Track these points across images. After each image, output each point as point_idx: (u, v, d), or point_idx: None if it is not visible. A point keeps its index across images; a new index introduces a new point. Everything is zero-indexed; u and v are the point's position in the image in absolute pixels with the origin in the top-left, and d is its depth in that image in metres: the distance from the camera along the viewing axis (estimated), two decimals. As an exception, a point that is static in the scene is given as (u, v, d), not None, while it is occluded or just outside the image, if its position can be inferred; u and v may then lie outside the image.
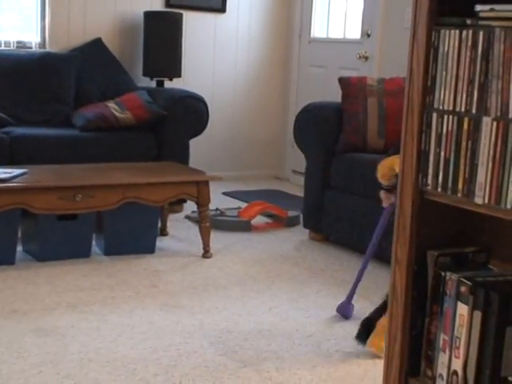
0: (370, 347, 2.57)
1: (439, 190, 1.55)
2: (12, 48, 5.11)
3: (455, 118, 1.52)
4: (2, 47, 5.08)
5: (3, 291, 3.11)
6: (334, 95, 4.47)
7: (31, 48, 5.22)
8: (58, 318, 2.83)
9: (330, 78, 5.38)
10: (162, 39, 5.29)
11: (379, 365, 2.44)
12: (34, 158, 4.13)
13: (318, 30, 6.03)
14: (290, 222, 4.54)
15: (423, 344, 1.66)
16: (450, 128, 1.53)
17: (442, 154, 1.55)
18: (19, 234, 3.59)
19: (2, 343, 2.55)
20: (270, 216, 4.65)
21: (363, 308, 3.08)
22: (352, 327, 2.85)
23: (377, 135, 3.98)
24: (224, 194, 5.36)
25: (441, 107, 1.55)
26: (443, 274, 1.61)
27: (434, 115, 1.57)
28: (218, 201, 4.88)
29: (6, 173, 3.44)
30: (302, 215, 4.36)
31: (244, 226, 4.39)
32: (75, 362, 2.43)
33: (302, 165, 4.83)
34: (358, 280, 2.99)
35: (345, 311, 3.00)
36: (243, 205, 4.81)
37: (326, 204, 4.06)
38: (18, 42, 5.18)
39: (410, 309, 1.62)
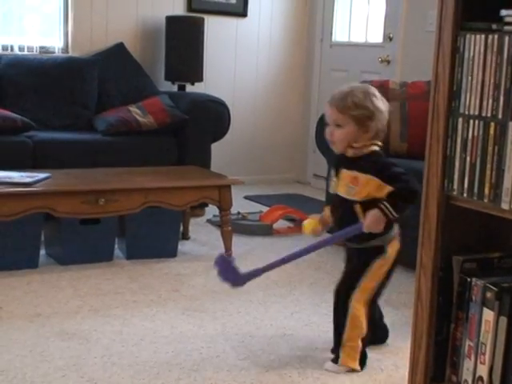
0: (343, 365, 2.48)
1: (465, 195, 1.54)
2: (35, 53, 5.15)
3: (481, 122, 1.51)
4: (26, 52, 5.12)
5: (27, 294, 3.13)
6: (356, 99, 4.44)
7: (54, 53, 5.25)
8: (81, 321, 2.84)
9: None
10: (183, 43, 5.30)
11: (402, 370, 2.43)
12: (56, 162, 4.16)
13: (339, 34, 6.02)
14: (312, 227, 4.52)
15: (448, 350, 1.65)
16: (475, 133, 1.52)
17: (468, 159, 1.54)
18: (42, 238, 3.61)
19: (25, 346, 2.57)
20: (291, 220, 4.64)
21: (384, 313, 3.06)
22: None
23: (399, 139, 3.96)
24: (245, 198, 5.36)
25: (466, 112, 1.55)
26: (469, 279, 1.60)
27: (460, 120, 1.56)
28: (240, 205, 4.88)
29: (29, 177, 3.46)
30: (323, 219, 4.34)
31: (265, 230, 4.38)
32: (98, 365, 2.44)
33: (323, 169, 4.82)
34: (281, 262, 2.68)
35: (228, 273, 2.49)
36: (265, 209, 4.80)
37: (347, 208, 4.04)
38: (41, 47, 5.22)
39: (434, 314, 1.61)
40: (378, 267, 2.46)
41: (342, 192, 2.45)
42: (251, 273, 2.48)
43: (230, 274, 2.45)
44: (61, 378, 2.33)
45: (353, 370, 2.45)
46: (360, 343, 2.45)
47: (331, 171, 2.62)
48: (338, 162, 2.50)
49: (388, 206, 2.32)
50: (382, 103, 2.42)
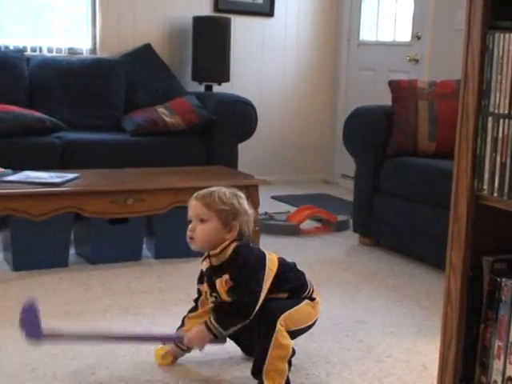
0: None
1: (495, 194, 1.53)
2: (63, 54, 5.20)
3: (511, 121, 1.50)
4: (54, 53, 5.18)
5: (57, 293, 3.16)
6: (384, 99, 4.44)
7: (82, 54, 5.30)
8: (110, 320, 2.87)
9: (380, 82, 5.35)
10: (210, 44, 5.32)
11: (431, 371, 2.42)
12: (85, 162, 4.20)
13: (367, 33, 6.00)
14: (340, 227, 4.53)
15: (478, 350, 1.64)
16: (505, 132, 1.52)
17: (498, 158, 1.53)
18: (72, 238, 3.65)
19: (57, 345, 2.59)
20: (319, 220, 4.64)
21: (413, 313, 3.06)
22: (406, 333, 2.83)
23: (427, 139, 3.94)
24: (273, 198, 5.37)
25: (496, 111, 1.54)
26: (499, 279, 1.59)
27: (490, 119, 1.56)
28: (267, 205, 4.89)
29: (58, 177, 3.49)
30: (351, 220, 4.34)
31: (293, 230, 4.39)
32: (128, 363, 2.46)
33: (350, 169, 4.82)
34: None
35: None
36: (292, 209, 4.81)
37: (375, 208, 4.04)
38: (70, 49, 5.27)
39: (464, 315, 1.60)
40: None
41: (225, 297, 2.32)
42: (55, 333, 2.31)
43: (33, 325, 2.27)
44: (91, 376, 2.36)
45: None
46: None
47: (201, 287, 2.44)
48: (210, 275, 2.36)
49: (214, 323, 2.24)
50: (247, 206, 2.36)
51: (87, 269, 3.53)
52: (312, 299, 2.39)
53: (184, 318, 2.49)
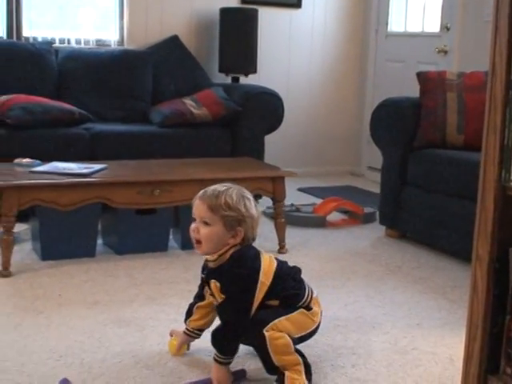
0: None
1: (522, 186, 1.52)
2: (91, 46, 5.23)
3: (539, 112, 1.49)
4: (82, 45, 5.21)
5: (85, 283, 3.19)
6: (412, 90, 4.41)
7: (110, 46, 5.33)
8: (137, 309, 2.89)
9: (408, 73, 5.32)
10: (237, 35, 5.33)
11: (458, 364, 2.41)
12: (112, 153, 4.23)
13: (395, 24, 5.97)
14: (366, 219, 4.52)
15: (503, 342, 1.63)
16: (533, 123, 1.50)
17: (526, 149, 1.52)
18: (99, 228, 3.68)
19: (84, 333, 2.62)
20: (345, 212, 4.63)
21: (439, 306, 3.05)
22: (432, 326, 2.82)
23: (456, 131, 3.91)
24: (299, 190, 5.37)
25: (524, 102, 1.53)
26: (526, 271, 1.58)
27: (518, 110, 1.54)
28: (293, 197, 4.89)
29: (86, 168, 3.53)
30: (378, 212, 4.33)
31: (319, 222, 4.38)
32: (154, 352, 2.48)
33: (377, 161, 4.80)
34: None
35: None
36: (318, 201, 4.80)
37: (402, 201, 4.02)
38: (97, 40, 5.30)
39: (490, 306, 1.60)
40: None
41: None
42: None
43: None
44: (117, 364, 2.38)
45: None
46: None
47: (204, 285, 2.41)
48: (208, 275, 2.34)
49: (220, 355, 2.25)
50: (254, 209, 2.29)
51: (114, 259, 3.56)
52: (308, 309, 2.32)
53: (192, 306, 2.47)
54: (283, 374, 2.23)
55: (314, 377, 2.31)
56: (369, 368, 2.42)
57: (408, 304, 3.07)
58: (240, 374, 2.33)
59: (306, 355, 2.29)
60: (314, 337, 2.62)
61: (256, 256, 2.30)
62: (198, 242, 2.27)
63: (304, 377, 2.25)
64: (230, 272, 2.25)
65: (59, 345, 2.51)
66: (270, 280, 2.27)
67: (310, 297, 2.34)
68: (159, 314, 2.85)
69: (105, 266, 3.43)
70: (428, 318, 2.91)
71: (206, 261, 2.35)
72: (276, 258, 2.37)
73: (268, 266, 2.30)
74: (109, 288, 3.14)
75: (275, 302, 2.28)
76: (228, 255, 2.26)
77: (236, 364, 2.36)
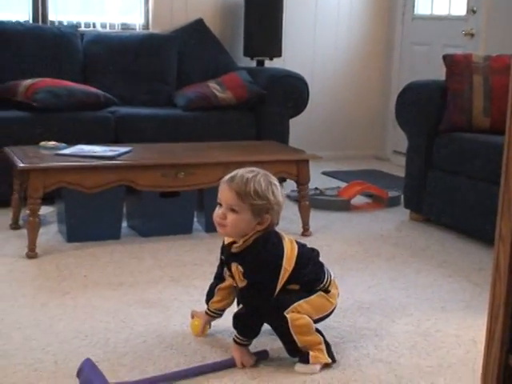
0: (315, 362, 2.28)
1: (546, 165, 1.51)
2: (117, 30, 5.25)
3: None
4: (107, 29, 5.23)
5: (110, 264, 3.22)
6: (438, 74, 4.38)
7: (135, 30, 5.34)
8: (161, 290, 2.91)
9: (434, 56, 5.27)
10: (262, 18, 5.30)
11: (480, 346, 2.40)
12: (137, 136, 4.25)
13: (421, 7, 5.92)
14: (391, 203, 4.50)
15: (527, 323, 1.62)
16: (558, 102, 1.49)
17: (550, 128, 1.51)
18: (124, 211, 3.70)
19: (109, 313, 2.65)
20: (369, 196, 4.62)
21: (463, 289, 3.04)
22: (456, 309, 2.81)
23: (482, 114, 3.88)
24: (324, 173, 5.36)
25: (549, 81, 1.51)
26: (549, 251, 1.57)
27: (542, 89, 1.53)
28: (318, 180, 4.89)
29: (111, 151, 3.55)
30: (402, 196, 4.31)
31: (343, 206, 4.38)
32: (178, 332, 2.50)
33: (403, 145, 4.77)
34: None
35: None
36: (343, 185, 4.79)
37: (427, 184, 4.00)
38: (123, 24, 5.32)
39: (513, 287, 1.59)
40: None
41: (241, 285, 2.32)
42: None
43: (98, 377, 2.08)
44: (142, 344, 2.40)
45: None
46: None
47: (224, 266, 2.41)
48: (228, 257, 2.34)
49: (240, 337, 2.26)
50: (281, 195, 2.27)
51: (139, 241, 3.58)
52: (327, 291, 2.33)
53: (213, 287, 2.48)
54: (307, 354, 2.24)
55: (336, 357, 2.32)
56: (391, 349, 2.42)
57: (431, 287, 3.06)
58: (263, 355, 2.35)
59: (326, 335, 2.31)
60: (338, 318, 2.64)
61: (279, 242, 2.29)
62: (223, 225, 2.26)
63: (327, 355, 2.27)
64: (253, 258, 2.25)
65: (84, 325, 2.55)
66: (292, 266, 2.27)
67: (329, 280, 2.35)
68: (183, 295, 2.87)
69: (129, 248, 3.46)
70: (451, 301, 2.90)
71: (225, 245, 2.35)
72: (296, 242, 2.36)
73: (290, 251, 2.29)
74: (133, 270, 3.16)
75: (296, 287, 2.28)
76: (251, 240, 2.26)
77: (259, 344, 2.37)
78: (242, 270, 2.27)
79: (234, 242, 2.30)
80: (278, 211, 2.27)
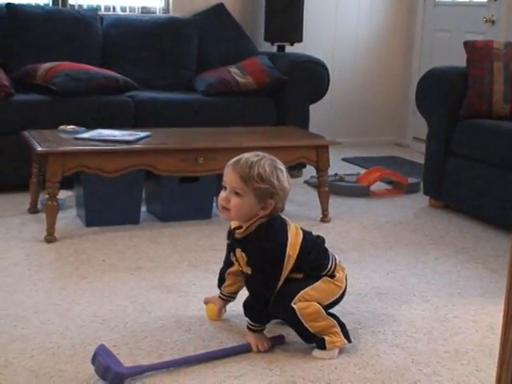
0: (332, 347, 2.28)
1: None
2: (137, 13, 5.25)
3: None
4: (127, 12, 5.23)
5: (129, 249, 3.23)
6: (459, 60, 4.34)
7: (155, 13, 5.34)
8: (180, 275, 2.92)
9: (455, 43, 5.23)
10: (283, 3, 5.27)
11: (498, 331, 2.38)
12: (157, 121, 4.26)
13: (443, -7, 5.86)
14: (410, 189, 4.48)
15: (544, 311, 1.61)
16: None
17: None
18: (143, 195, 3.71)
19: (127, 297, 2.67)
20: (389, 182, 4.60)
21: (481, 275, 3.02)
22: (473, 295, 2.81)
23: (502, 100, 3.84)
24: (343, 159, 5.34)
25: None
26: None
27: None
28: (338, 166, 4.87)
29: (131, 135, 3.55)
30: (422, 182, 4.29)
31: (363, 192, 4.37)
32: (196, 317, 2.51)
33: (423, 131, 4.74)
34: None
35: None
36: (362, 171, 4.78)
37: (447, 171, 3.97)
38: (143, 8, 5.32)
39: (531, 275, 1.57)
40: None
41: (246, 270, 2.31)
42: (136, 368, 2.12)
43: (113, 361, 2.08)
44: (159, 328, 2.41)
45: None
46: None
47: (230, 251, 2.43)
48: (233, 243, 2.34)
49: (252, 322, 2.27)
50: (287, 180, 2.24)
51: (158, 226, 3.60)
52: (332, 276, 2.31)
53: (223, 272, 2.49)
54: (323, 339, 2.24)
55: (354, 343, 2.33)
56: (409, 335, 2.42)
57: (449, 273, 3.05)
58: (279, 341, 2.35)
59: (344, 321, 2.31)
60: (356, 304, 2.64)
61: (284, 228, 2.28)
62: (226, 208, 2.26)
63: (343, 337, 2.27)
64: (257, 245, 2.24)
65: (102, 309, 2.56)
66: (297, 253, 2.25)
67: (333, 265, 2.33)
68: (201, 280, 2.88)
69: (148, 233, 3.47)
70: (469, 287, 2.89)
71: (231, 229, 2.35)
72: (301, 229, 2.35)
73: (295, 238, 2.28)
74: (152, 254, 3.17)
75: (299, 275, 2.27)
76: (255, 226, 2.25)
77: (276, 329, 2.38)
78: (245, 257, 2.27)
79: (239, 227, 2.30)
80: (283, 197, 2.26)
